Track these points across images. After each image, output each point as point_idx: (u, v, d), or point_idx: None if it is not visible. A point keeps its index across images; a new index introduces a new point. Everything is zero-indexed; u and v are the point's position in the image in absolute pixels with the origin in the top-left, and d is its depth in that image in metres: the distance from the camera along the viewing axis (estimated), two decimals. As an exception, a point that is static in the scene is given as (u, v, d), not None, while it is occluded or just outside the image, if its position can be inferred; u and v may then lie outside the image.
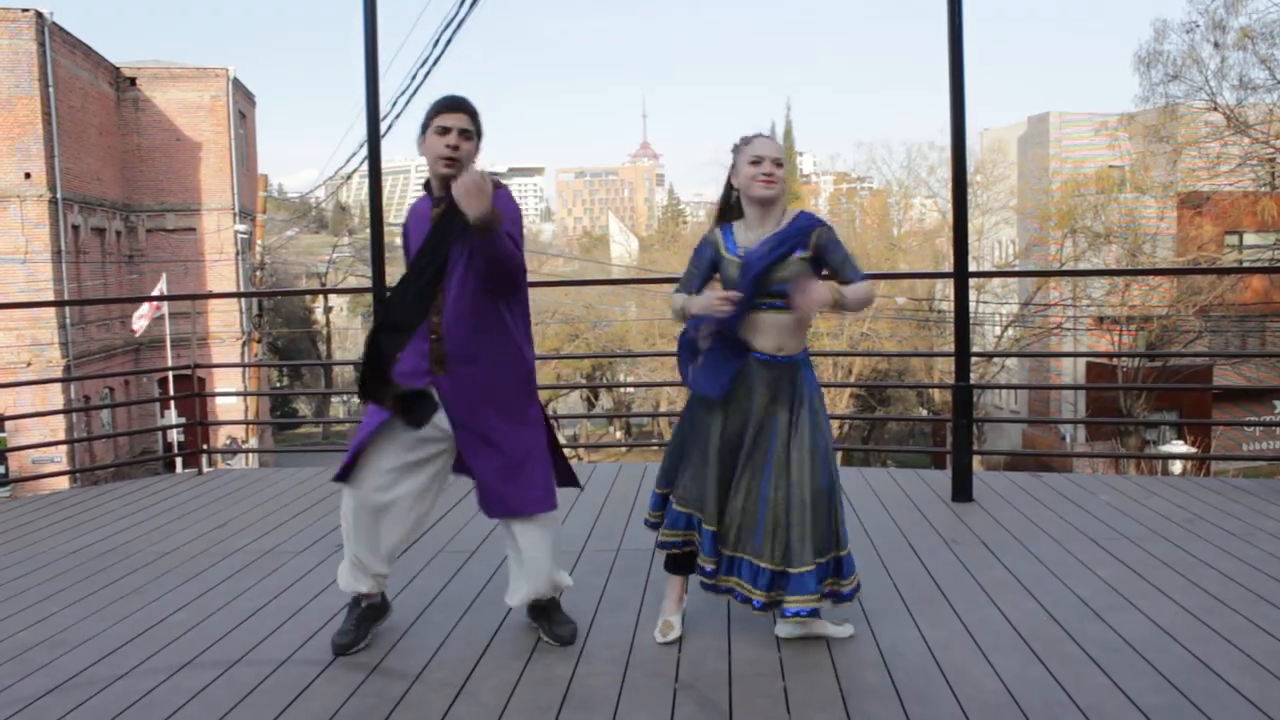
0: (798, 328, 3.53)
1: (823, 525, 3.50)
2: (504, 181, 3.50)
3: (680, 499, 3.63)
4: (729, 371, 3.52)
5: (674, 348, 3.69)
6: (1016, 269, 31.10)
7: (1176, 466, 18.19)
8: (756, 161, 3.50)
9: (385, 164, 6.23)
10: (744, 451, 3.53)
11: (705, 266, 3.63)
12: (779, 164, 3.51)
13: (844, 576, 3.56)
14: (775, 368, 3.52)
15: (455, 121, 3.46)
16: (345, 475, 3.58)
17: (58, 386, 21.78)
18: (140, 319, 24.66)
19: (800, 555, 3.46)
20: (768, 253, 3.46)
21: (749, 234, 3.55)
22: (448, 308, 3.47)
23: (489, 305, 3.50)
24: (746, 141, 3.57)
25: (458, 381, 3.51)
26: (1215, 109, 23.72)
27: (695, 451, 3.61)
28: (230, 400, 24.62)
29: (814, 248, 3.49)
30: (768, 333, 3.51)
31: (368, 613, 3.77)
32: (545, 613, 3.76)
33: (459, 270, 3.44)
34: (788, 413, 3.51)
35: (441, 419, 3.54)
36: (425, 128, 3.50)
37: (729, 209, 3.67)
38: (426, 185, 3.61)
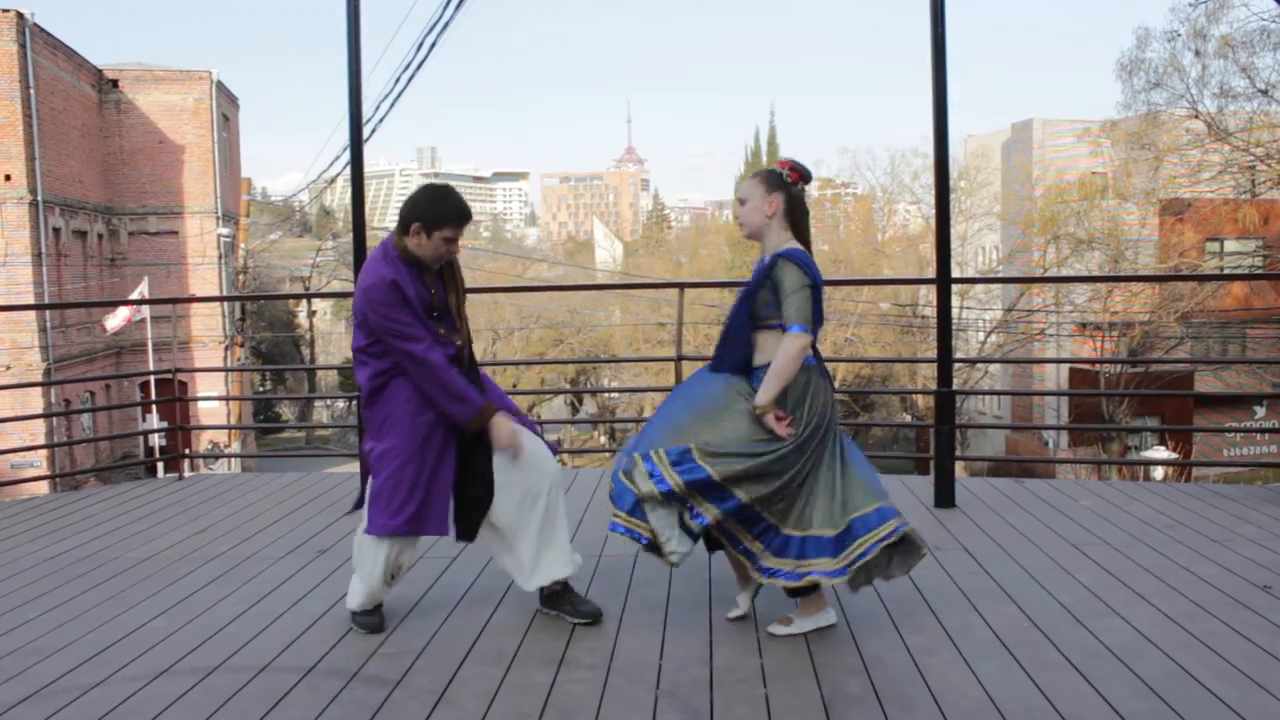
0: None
1: None
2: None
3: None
4: None
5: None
6: (999, 275, 31.20)
7: (1158, 472, 18.31)
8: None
9: (368, 168, 6.21)
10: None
11: None
12: (741, 202, 3.70)
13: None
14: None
15: (461, 234, 3.71)
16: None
17: (37, 390, 21.61)
18: (113, 319, 24.49)
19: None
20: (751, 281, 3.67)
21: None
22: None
23: None
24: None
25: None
26: (1196, 116, 23.91)
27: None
28: (212, 404, 24.48)
29: (769, 279, 3.60)
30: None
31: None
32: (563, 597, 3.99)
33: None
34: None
35: None
36: (428, 228, 3.64)
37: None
38: (404, 253, 3.71)
